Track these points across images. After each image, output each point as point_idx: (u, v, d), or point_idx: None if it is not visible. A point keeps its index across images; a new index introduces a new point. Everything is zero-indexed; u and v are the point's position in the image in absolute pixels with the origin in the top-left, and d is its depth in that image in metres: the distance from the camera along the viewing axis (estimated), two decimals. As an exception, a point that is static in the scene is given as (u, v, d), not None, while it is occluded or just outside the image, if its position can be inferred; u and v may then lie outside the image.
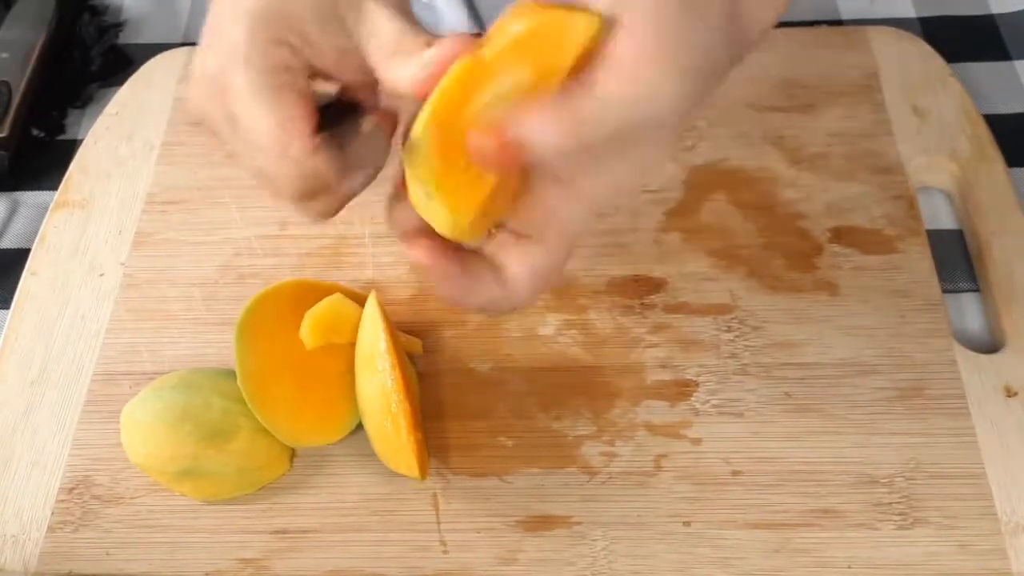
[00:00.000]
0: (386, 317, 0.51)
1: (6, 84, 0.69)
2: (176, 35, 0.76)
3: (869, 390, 0.54)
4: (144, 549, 0.51)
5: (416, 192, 0.39)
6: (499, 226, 0.41)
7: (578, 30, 0.37)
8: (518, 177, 0.39)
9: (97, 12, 0.77)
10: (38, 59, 0.71)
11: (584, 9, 0.37)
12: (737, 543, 0.50)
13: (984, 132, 0.64)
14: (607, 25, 0.36)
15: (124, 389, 0.56)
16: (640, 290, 0.59)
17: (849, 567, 0.49)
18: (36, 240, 0.63)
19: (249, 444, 0.51)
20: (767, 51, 0.63)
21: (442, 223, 0.39)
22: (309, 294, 0.54)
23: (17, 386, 0.57)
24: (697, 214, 0.61)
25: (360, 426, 0.53)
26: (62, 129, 0.71)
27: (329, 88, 0.43)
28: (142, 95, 0.69)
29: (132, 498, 0.53)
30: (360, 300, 0.54)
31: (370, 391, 0.50)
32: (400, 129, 0.42)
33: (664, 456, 0.53)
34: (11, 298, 0.60)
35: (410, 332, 0.57)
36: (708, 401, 0.54)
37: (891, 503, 0.51)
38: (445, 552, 0.50)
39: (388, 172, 0.43)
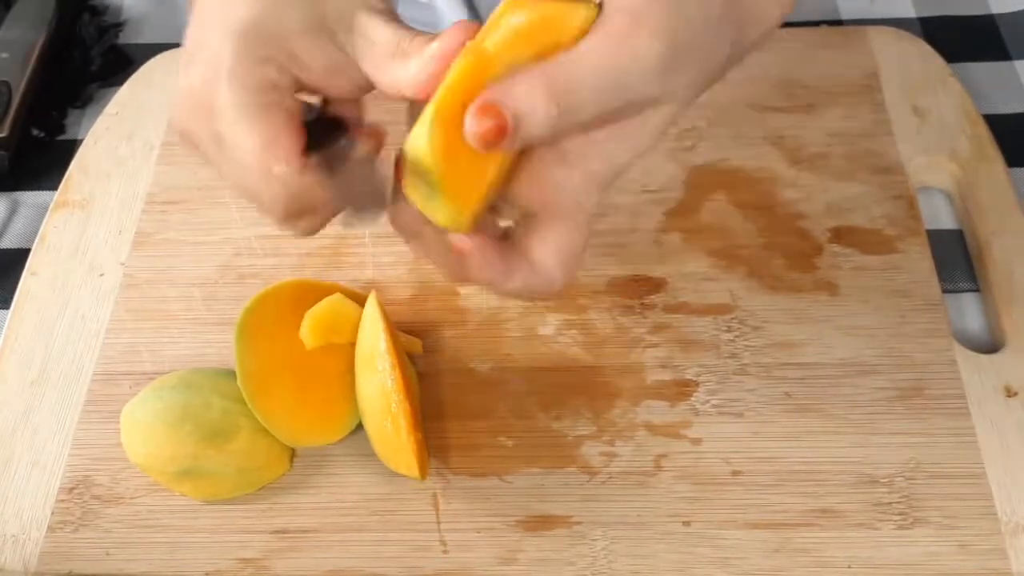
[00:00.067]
0: (386, 317, 0.51)
1: (6, 84, 0.69)
2: (176, 35, 0.76)
3: (869, 390, 0.54)
4: (144, 549, 0.51)
5: (417, 189, 0.39)
6: (495, 211, 0.41)
7: (577, 21, 0.37)
8: (514, 158, 0.39)
9: (97, 12, 0.77)
10: (38, 59, 0.71)
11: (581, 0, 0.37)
12: (737, 543, 0.50)
13: (984, 132, 0.64)
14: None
15: (124, 389, 0.56)
16: (640, 290, 0.59)
17: (849, 567, 0.49)
18: (36, 240, 0.63)
19: (249, 444, 0.51)
20: (767, 51, 0.63)
21: (445, 218, 0.39)
22: (309, 294, 0.54)
23: (17, 386, 0.57)
24: (697, 214, 0.61)
25: (360, 426, 0.53)
26: (62, 129, 0.71)
27: (313, 99, 0.43)
28: (142, 95, 0.69)
29: (132, 498, 0.53)
30: (360, 300, 0.54)
31: (370, 391, 0.50)
32: (388, 142, 0.43)
33: (664, 456, 0.53)
34: (11, 298, 0.60)
35: (410, 332, 0.57)
36: (708, 401, 0.54)
37: (891, 503, 0.51)
38: (445, 552, 0.50)
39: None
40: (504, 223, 0.41)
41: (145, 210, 0.64)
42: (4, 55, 0.71)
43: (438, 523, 0.51)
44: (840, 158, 0.63)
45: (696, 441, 0.53)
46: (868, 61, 0.67)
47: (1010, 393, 0.54)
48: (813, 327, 0.57)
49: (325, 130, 0.43)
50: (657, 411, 0.54)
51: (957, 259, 0.60)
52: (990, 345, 0.57)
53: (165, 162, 0.65)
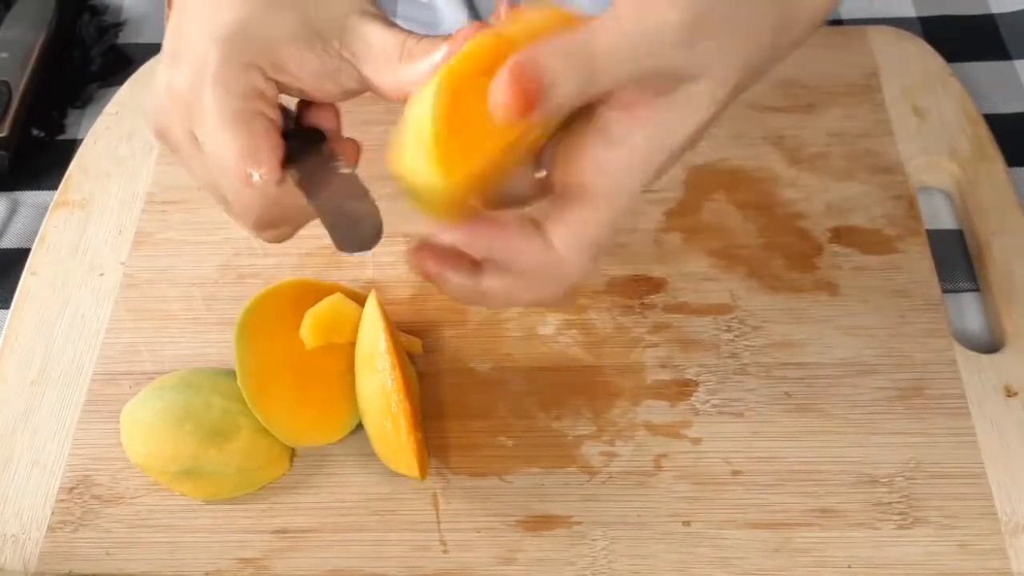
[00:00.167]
0: (386, 317, 0.51)
1: (6, 84, 0.69)
2: (176, 35, 0.75)
3: (869, 390, 0.54)
4: (144, 549, 0.51)
5: (407, 164, 0.37)
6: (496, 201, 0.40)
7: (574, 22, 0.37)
8: (536, 131, 0.38)
9: (97, 12, 0.77)
10: (38, 59, 0.71)
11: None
12: (737, 543, 0.50)
13: (984, 132, 0.64)
14: None
15: (124, 389, 0.56)
16: (640, 290, 0.59)
17: (849, 567, 0.49)
18: (36, 240, 0.63)
19: (249, 444, 0.51)
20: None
21: (431, 190, 0.37)
22: (309, 294, 0.54)
23: (17, 386, 0.57)
24: (697, 214, 0.62)
25: (360, 426, 0.53)
26: (62, 129, 0.71)
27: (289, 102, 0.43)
28: (142, 95, 0.69)
29: (132, 498, 0.53)
30: (360, 300, 0.54)
31: (370, 391, 0.50)
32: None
33: (664, 456, 0.53)
34: (11, 298, 0.60)
35: (410, 332, 0.57)
36: (708, 401, 0.54)
37: (891, 503, 0.51)
38: (445, 552, 0.50)
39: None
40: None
41: (145, 210, 0.64)
42: (4, 55, 0.71)
43: (438, 523, 0.51)
44: (840, 158, 0.63)
45: (696, 441, 0.53)
46: (868, 61, 0.67)
47: (1010, 393, 0.54)
48: (813, 327, 0.57)
49: (303, 141, 0.42)
50: (657, 411, 0.54)
51: (957, 259, 0.60)
52: (990, 345, 0.57)
53: (165, 162, 0.65)
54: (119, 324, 0.59)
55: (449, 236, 0.39)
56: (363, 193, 0.40)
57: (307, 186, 0.41)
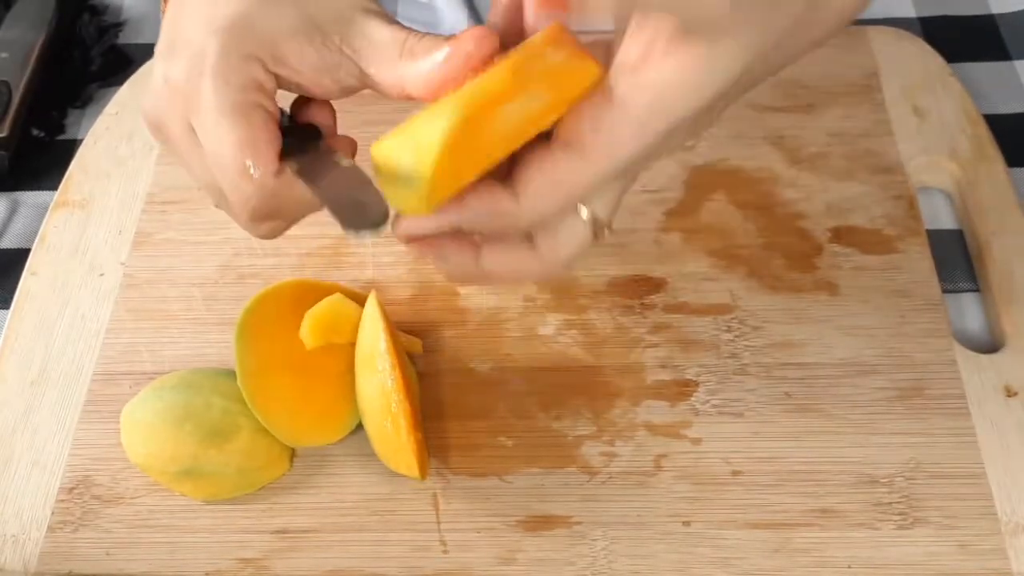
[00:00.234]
0: (386, 317, 0.51)
1: (6, 84, 0.69)
2: (176, 35, 0.75)
3: (869, 390, 0.54)
4: (144, 549, 0.51)
5: (405, 165, 0.37)
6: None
7: (587, 77, 0.37)
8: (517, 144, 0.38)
9: (97, 12, 0.77)
10: (38, 59, 0.71)
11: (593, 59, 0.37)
12: (737, 543, 0.50)
13: (984, 132, 0.64)
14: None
15: (124, 389, 0.56)
16: (640, 290, 0.59)
17: (849, 567, 0.49)
18: (36, 240, 0.63)
19: (249, 444, 0.51)
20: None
21: (411, 205, 0.38)
22: (309, 294, 0.54)
23: (17, 386, 0.57)
24: (697, 214, 0.62)
25: (360, 426, 0.53)
26: (62, 129, 0.71)
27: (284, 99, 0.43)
28: (142, 94, 0.69)
29: (132, 498, 0.53)
30: (360, 300, 0.54)
31: (370, 391, 0.50)
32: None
33: (664, 456, 0.53)
34: (11, 298, 0.60)
35: (410, 332, 0.57)
36: (708, 401, 0.54)
37: (891, 503, 0.51)
38: (445, 552, 0.50)
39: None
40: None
41: (145, 210, 0.64)
42: (4, 55, 0.71)
43: (438, 523, 0.51)
44: (840, 158, 0.63)
45: (696, 441, 0.53)
46: (868, 61, 0.67)
47: (1010, 393, 0.54)
48: (813, 327, 0.57)
49: (300, 138, 0.42)
50: (657, 411, 0.54)
51: (957, 259, 0.60)
52: (990, 345, 0.57)
53: (165, 162, 0.65)
54: (119, 324, 0.59)
55: (437, 220, 0.39)
56: (366, 182, 0.40)
57: (308, 175, 0.41)
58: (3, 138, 0.67)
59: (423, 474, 0.51)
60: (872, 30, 0.69)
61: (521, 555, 0.50)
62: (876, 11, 0.74)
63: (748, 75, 0.37)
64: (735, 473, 0.52)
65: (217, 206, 0.44)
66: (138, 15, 0.77)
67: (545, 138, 0.38)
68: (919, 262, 0.59)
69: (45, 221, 0.64)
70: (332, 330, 0.53)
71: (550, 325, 0.58)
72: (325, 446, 0.53)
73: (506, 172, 0.39)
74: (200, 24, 0.40)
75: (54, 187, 0.65)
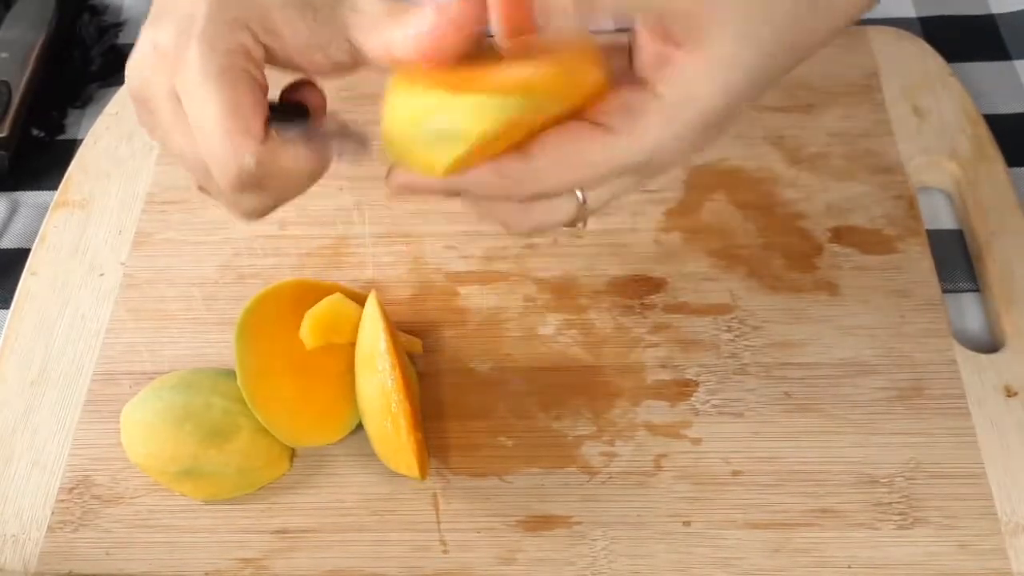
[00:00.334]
0: (386, 317, 0.51)
1: (6, 84, 0.69)
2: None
3: (869, 390, 0.54)
4: (144, 549, 0.51)
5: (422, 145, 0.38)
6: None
7: (593, 81, 0.37)
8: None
9: (97, 12, 0.77)
10: (38, 59, 0.71)
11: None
12: (737, 543, 0.50)
13: (984, 132, 0.64)
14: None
15: (124, 389, 0.56)
16: (640, 290, 0.59)
17: (849, 567, 0.49)
18: (36, 240, 0.63)
19: (249, 444, 0.51)
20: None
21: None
22: (309, 294, 0.54)
23: (17, 386, 0.57)
24: (697, 214, 0.62)
25: (360, 426, 0.53)
26: (62, 129, 0.71)
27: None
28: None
29: (132, 498, 0.53)
30: (360, 300, 0.54)
31: (370, 391, 0.50)
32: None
33: (664, 456, 0.53)
34: (11, 298, 0.60)
35: (410, 332, 0.57)
36: (708, 401, 0.54)
37: (891, 503, 0.51)
38: (445, 552, 0.50)
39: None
40: None
41: (145, 210, 0.64)
42: (4, 55, 0.71)
43: (438, 523, 0.51)
44: (840, 158, 0.63)
45: (696, 441, 0.53)
46: (868, 61, 0.67)
47: (1010, 393, 0.54)
48: (813, 327, 0.57)
49: (287, 114, 0.42)
50: (657, 411, 0.54)
51: (957, 259, 0.60)
52: (990, 345, 0.57)
53: (165, 162, 0.65)
54: (119, 324, 0.59)
55: (444, 181, 0.39)
56: (352, 131, 0.41)
57: (294, 142, 0.41)
58: (3, 138, 0.67)
59: (423, 474, 0.51)
60: (872, 30, 0.69)
61: (521, 555, 0.50)
62: (876, 11, 0.73)
63: (762, 72, 0.38)
64: (735, 473, 0.52)
65: (200, 188, 0.44)
66: (138, 15, 0.77)
67: None
68: (919, 262, 0.59)
69: (45, 221, 0.64)
70: (332, 330, 0.53)
71: (550, 325, 0.58)
72: (325, 446, 0.53)
73: None
74: None
75: (54, 187, 0.65)
